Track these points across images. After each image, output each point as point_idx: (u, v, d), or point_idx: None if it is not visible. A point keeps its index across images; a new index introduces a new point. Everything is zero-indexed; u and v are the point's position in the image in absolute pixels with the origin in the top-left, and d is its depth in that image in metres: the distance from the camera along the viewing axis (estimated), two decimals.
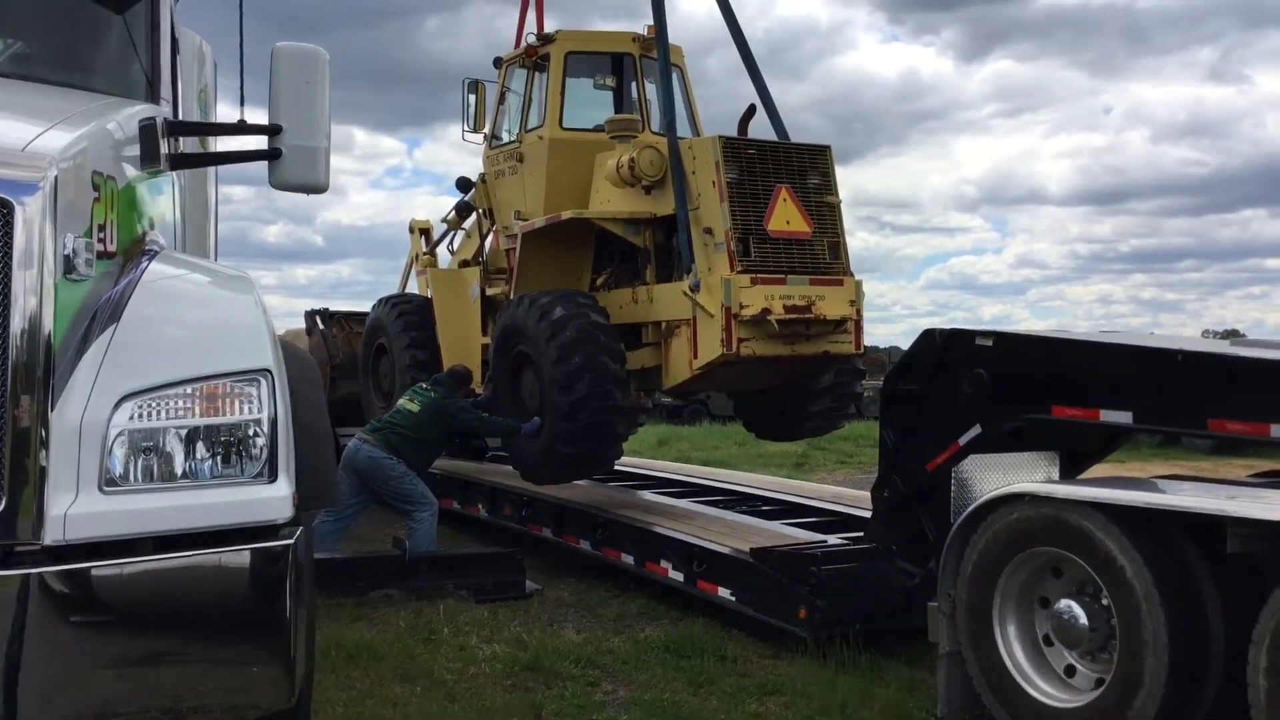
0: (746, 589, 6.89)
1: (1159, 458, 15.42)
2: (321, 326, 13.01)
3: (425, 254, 11.96)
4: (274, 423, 3.03)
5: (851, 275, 8.06)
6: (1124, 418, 5.26)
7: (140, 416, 2.86)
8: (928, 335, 6.29)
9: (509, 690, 5.91)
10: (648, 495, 9.78)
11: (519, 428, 8.46)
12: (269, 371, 3.07)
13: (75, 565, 2.61)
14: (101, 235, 3.02)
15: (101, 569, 2.65)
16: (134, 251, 3.33)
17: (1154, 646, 4.57)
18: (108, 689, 2.63)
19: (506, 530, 10.01)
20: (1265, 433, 4.71)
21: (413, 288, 12.16)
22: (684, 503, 9.19)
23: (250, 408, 3.03)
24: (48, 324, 2.65)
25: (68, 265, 2.74)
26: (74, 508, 2.67)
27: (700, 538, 7.42)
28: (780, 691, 5.92)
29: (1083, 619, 4.96)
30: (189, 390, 2.95)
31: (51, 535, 2.62)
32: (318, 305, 13.44)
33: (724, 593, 7.09)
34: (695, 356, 7.83)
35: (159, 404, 2.90)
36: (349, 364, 12.66)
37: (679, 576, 7.50)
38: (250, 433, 3.01)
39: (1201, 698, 4.62)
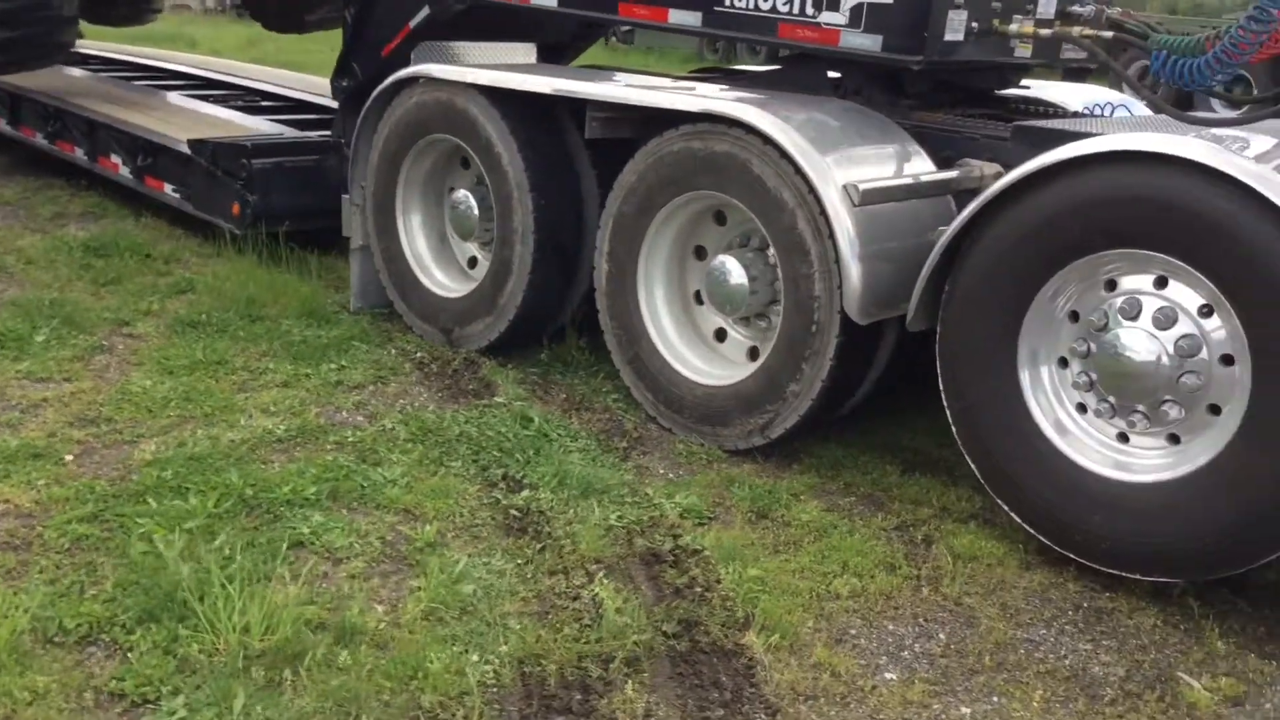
0: (189, 185, 6.25)
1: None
2: None
3: None
4: None
5: None
6: (550, 0, 4.88)
7: None
8: None
9: None
10: (144, 88, 8.63)
11: None
12: None
13: None
14: None
15: None
16: None
17: (522, 233, 4.45)
18: None
19: None
20: (663, 18, 4.48)
21: None
22: (172, 96, 8.18)
23: None
24: None
25: None
26: None
27: (146, 129, 6.59)
28: (191, 290, 5.47)
29: (476, 210, 4.76)
30: None
31: None
32: None
33: (169, 189, 6.42)
34: None
35: None
36: None
37: (128, 173, 6.72)
38: None
39: (571, 288, 4.63)
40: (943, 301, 3.38)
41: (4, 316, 4.86)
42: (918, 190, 3.59)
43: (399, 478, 3.62)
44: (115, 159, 6.81)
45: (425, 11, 5.41)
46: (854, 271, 3.44)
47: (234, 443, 3.81)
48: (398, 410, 4.20)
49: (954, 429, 3.42)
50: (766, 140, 3.56)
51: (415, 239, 5.02)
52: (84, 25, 10.57)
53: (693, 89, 4.15)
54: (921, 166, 3.70)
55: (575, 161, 4.52)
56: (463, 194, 4.81)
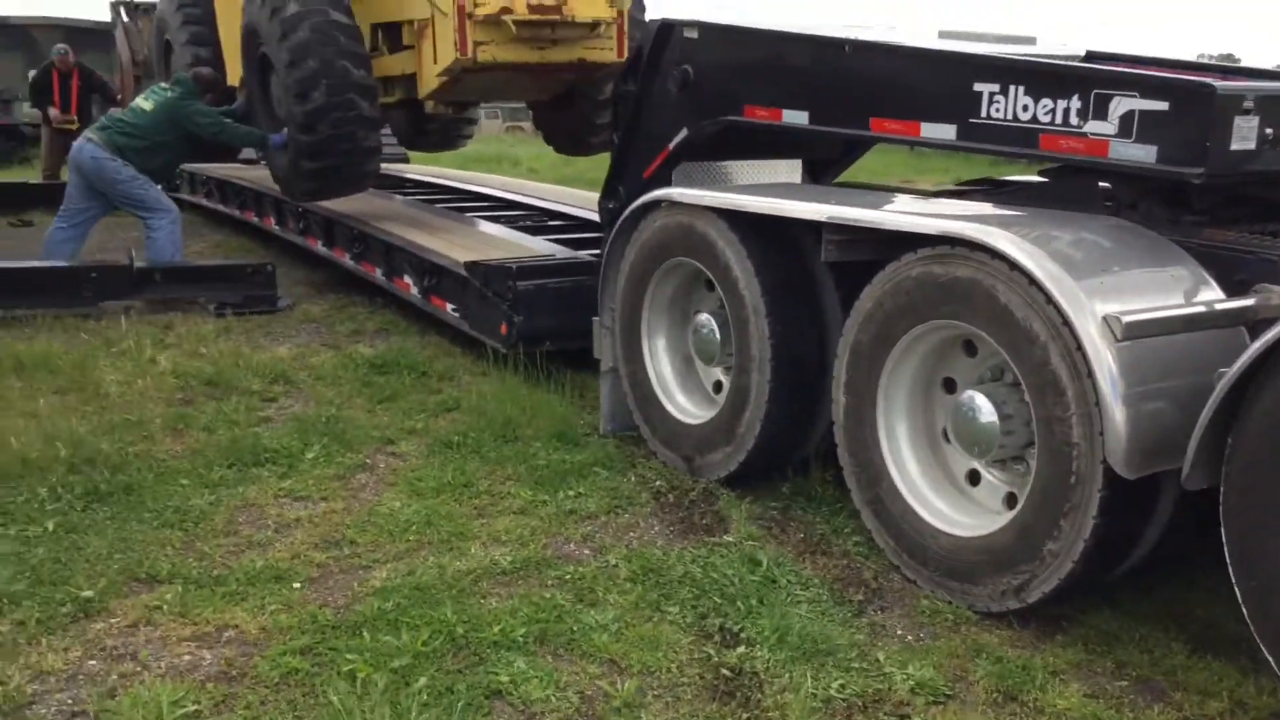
0: (466, 305, 6.53)
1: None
2: (126, 20, 11.94)
3: None
4: None
5: None
6: (801, 118, 4.71)
7: None
8: (653, 28, 5.65)
9: (170, 403, 5.61)
10: (444, 210, 9.24)
11: (265, 138, 7.80)
12: None
13: None
14: None
15: None
16: None
17: (759, 360, 4.24)
18: None
19: (298, 247, 9.54)
20: (916, 132, 4.20)
21: None
22: (466, 218, 8.69)
23: None
24: None
25: None
26: None
27: (433, 251, 6.97)
28: (456, 408, 5.64)
29: (718, 334, 4.61)
30: None
31: None
32: None
33: (449, 309, 6.74)
34: (435, 61, 7.10)
35: None
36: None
37: (416, 292, 7.13)
38: None
39: (813, 418, 4.34)
40: (1226, 455, 2.83)
41: (282, 433, 5.19)
42: (1198, 321, 3.06)
43: (610, 622, 3.45)
44: (407, 279, 7.25)
45: (683, 133, 5.38)
46: (1118, 416, 2.96)
47: (459, 573, 3.78)
48: (624, 545, 4.05)
49: (1244, 609, 2.83)
50: (1013, 265, 3.18)
51: (660, 362, 4.93)
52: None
53: (935, 208, 3.82)
54: (1206, 293, 3.16)
55: (818, 286, 4.27)
56: (705, 317, 4.68)
